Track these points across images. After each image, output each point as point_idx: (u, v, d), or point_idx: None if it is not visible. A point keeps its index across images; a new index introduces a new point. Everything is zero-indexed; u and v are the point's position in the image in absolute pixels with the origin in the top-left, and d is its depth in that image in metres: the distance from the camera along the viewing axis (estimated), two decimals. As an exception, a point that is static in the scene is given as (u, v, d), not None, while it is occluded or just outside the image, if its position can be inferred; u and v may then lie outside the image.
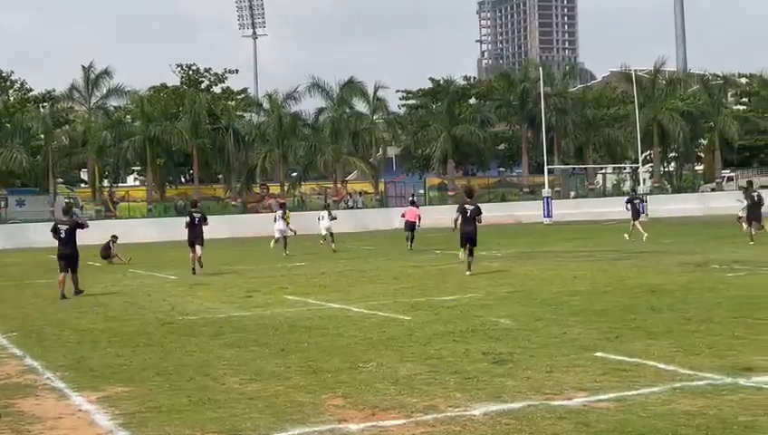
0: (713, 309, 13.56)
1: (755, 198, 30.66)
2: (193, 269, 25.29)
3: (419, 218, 35.16)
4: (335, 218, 37.39)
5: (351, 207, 67.78)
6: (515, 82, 76.07)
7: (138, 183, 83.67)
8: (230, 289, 20.30)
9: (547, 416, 7.61)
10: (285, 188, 67.59)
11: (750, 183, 34.01)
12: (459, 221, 22.11)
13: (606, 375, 9.11)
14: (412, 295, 17.47)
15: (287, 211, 37.29)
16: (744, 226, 30.68)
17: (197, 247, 25.38)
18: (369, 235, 50.54)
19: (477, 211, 22.01)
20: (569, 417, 7.56)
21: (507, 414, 7.74)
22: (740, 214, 32.70)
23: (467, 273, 21.54)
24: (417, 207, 36.92)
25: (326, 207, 40.09)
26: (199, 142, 66.28)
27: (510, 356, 10.36)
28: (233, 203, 68.42)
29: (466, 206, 22.30)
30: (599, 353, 10.31)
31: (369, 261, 28.29)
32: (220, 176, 74.57)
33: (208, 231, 27.09)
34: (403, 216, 36.45)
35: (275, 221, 35.78)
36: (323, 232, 36.84)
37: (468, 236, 22.03)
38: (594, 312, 13.87)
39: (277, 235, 35.23)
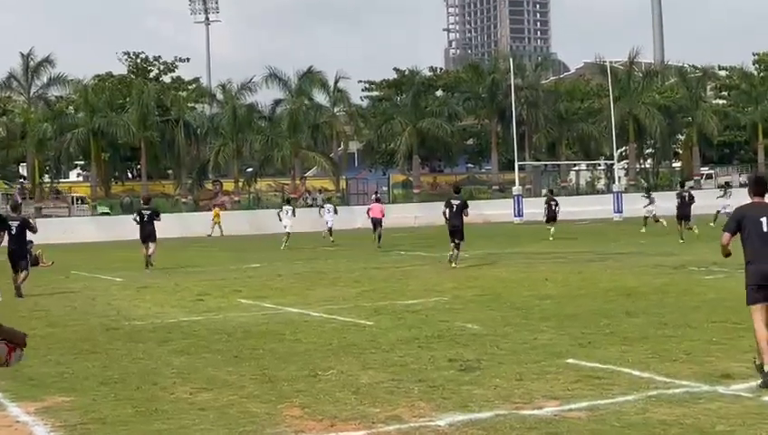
0: (690, 313, 13.71)
1: (686, 198, 32.94)
2: (146, 264, 26.92)
3: (384, 214, 37.62)
4: (336, 214, 41.31)
5: (311, 206, 67.68)
6: (484, 73, 76.42)
7: (81, 179, 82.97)
8: (180, 292, 20.18)
9: (516, 426, 7.65)
10: (240, 184, 67.35)
11: (683, 183, 37.07)
12: (447, 215, 24.64)
13: (578, 383, 9.17)
14: (374, 299, 17.48)
15: (294, 207, 40.87)
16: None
17: (150, 244, 26.86)
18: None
19: (463, 205, 24.54)
20: (539, 427, 7.61)
21: (474, 425, 7.77)
22: (646, 214, 40.05)
23: (453, 265, 23.76)
24: (382, 203, 39.39)
25: (328, 200, 44.68)
26: (147, 135, 65.87)
27: (477, 363, 10.39)
28: (183, 200, 68.03)
29: (453, 200, 24.98)
30: (571, 360, 10.38)
31: (328, 262, 28.27)
32: (170, 171, 74.14)
33: (158, 231, 27.48)
34: (368, 212, 38.38)
35: (285, 215, 38.18)
36: (327, 226, 40.85)
37: (455, 229, 24.37)
38: (566, 316, 13.97)
39: (288, 229, 37.56)
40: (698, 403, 8.22)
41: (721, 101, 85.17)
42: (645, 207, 41.54)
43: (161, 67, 78.33)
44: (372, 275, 22.83)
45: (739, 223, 9.38)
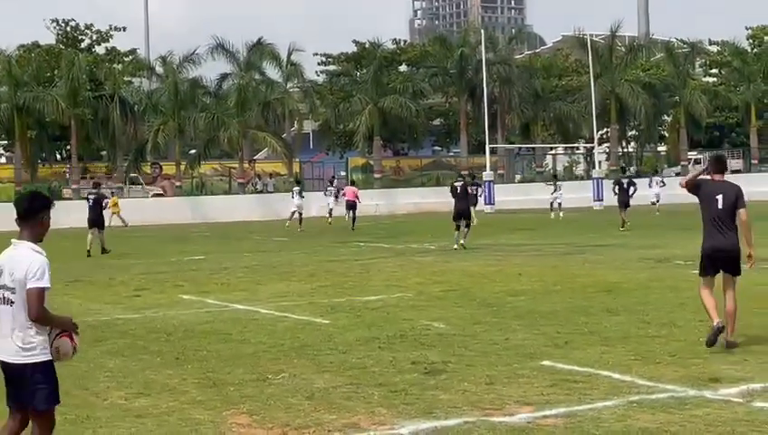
0: (675, 311, 13.85)
1: (624, 185, 35.37)
2: (88, 252, 28.33)
3: (358, 198, 42.10)
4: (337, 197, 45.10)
5: (260, 191, 67.50)
6: (453, 46, 76.45)
7: (4, 160, 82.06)
8: (115, 287, 20.07)
9: (486, 434, 7.69)
10: (182, 167, 66.96)
11: (624, 169, 42.02)
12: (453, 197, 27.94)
13: (554, 387, 9.24)
14: (331, 295, 17.48)
15: (298, 189, 43.75)
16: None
17: (95, 230, 28.92)
18: (281, 223, 50.34)
19: (465, 187, 28.27)
20: (511, 435, 7.66)
21: (440, 432, 7.81)
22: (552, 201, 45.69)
23: (455, 246, 26.69)
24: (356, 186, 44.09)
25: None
26: (78, 112, 65.16)
27: (444, 366, 10.43)
28: (118, 185, 67.50)
29: (455, 184, 28.44)
30: (546, 362, 10.45)
31: (280, 254, 28.22)
32: (103, 152, 73.51)
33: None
34: (343, 195, 43.00)
35: (293, 197, 42.21)
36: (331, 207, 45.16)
37: (460, 211, 27.50)
38: (541, 314, 14.05)
39: (293, 208, 41.77)
40: (684, 409, 8.31)
41: (711, 80, 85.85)
42: (552, 193, 47.45)
43: (94, 37, 77.49)
44: (329, 269, 22.83)
45: (698, 188, 11.23)
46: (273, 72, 72.01)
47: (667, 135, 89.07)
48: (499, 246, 28.94)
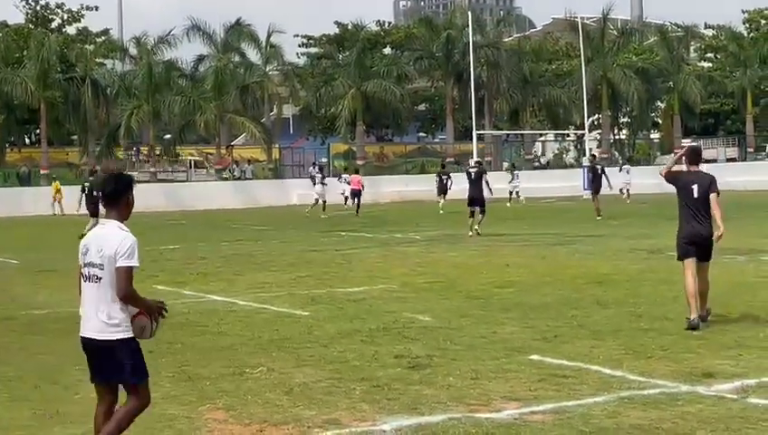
0: (668, 304, 13.88)
1: (598, 171, 36.91)
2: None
3: (363, 185, 45.25)
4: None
5: (238, 178, 67.39)
6: (439, 29, 76.45)
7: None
8: (86, 277, 19.96)
9: (471, 431, 7.70)
10: (156, 152, 66.76)
11: (594, 155, 43.69)
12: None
13: (542, 382, 9.25)
14: (312, 286, 17.47)
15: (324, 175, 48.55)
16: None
17: (94, 220, 28.31)
18: (260, 211, 50.30)
19: (480, 172, 28.94)
20: (497, 432, 7.67)
21: (424, 429, 7.81)
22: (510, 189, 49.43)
23: (470, 233, 27.66)
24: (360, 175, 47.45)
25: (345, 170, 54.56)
26: (48, 95, 64.93)
27: (428, 360, 10.44)
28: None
29: (470, 169, 29.54)
30: (534, 356, 10.47)
31: (259, 244, 28.19)
32: (75, 137, 73.24)
33: (63, 206, 27.44)
34: (349, 183, 46.41)
35: (314, 184, 45.12)
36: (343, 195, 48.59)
37: (473, 198, 28.45)
38: (529, 307, 14.08)
39: (316, 196, 44.14)
40: (676, 405, 8.34)
41: (706, 65, 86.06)
42: (510, 182, 50.85)
43: (65, 16, 77.24)
44: (310, 259, 22.82)
45: (676, 180, 12.47)
46: (251, 55, 71.98)
47: (660, 122, 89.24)
48: (486, 236, 28.94)
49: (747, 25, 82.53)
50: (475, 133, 62.99)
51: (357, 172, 49.40)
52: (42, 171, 62.87)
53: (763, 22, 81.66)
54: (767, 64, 77.42)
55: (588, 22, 75.13)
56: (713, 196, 12.17)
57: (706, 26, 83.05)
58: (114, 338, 6.58)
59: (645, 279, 16.86)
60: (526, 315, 13.30)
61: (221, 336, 12.36)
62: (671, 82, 76.58)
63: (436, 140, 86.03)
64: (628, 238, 25.66)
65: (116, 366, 6.63)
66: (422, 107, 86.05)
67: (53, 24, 76.11)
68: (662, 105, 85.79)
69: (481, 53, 70.59)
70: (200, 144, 73.51)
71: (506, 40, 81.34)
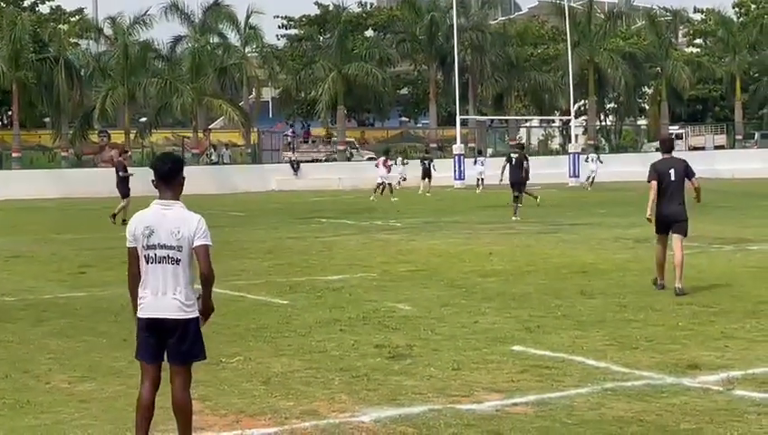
0: (654, 294, 13.95)
1: (513, 162, 36.35)
2: (114, 216, 29.56)
3: (388, 168, 46.99)
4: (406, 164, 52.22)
5: (215, 163, 67.22)
6: (422, 11, 76.28)
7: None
8: (58, 263, 19.93)
9: (452, 423, 7.72)
10: (131, 136, 66.51)
11: (522, 145, 42.23)
12: (507, 170, 30.73)
13: (524, 374, 9.29)
14: (290, 274, 17.47)
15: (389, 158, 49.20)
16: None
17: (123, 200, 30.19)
18: (237, 197, 50.23)
19: (521, 159, 30.32)
20: (478, 424, 7.69)
21: (404, 420, 7.82)
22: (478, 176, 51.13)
23: (513, 218, 28.90)
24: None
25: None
26: (21, 76, 64.52)
27: (409, 350, 10.46)
28: (63, 154, 67.00)
29: (512, 154, 31.24)
30: (516, 347, 10.50)
31: (236, 230, 28.11)
32: (47, 119, 72.88)
33: (33, 190, 27.21)
34: (377, 165, 47.79)
35: (377, 167, 47.25)
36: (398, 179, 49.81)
37: (514, 182, 30.07)
38: (512, 296, 14.11)
39: (379, 181, 45.95)
40: (661, 397, 8.38)
41: (694, 50, 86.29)
42: (475, 166, 53.00)
43: (38, -6, 76.66)
44: (288, 246, 22.81)
45: (658, 173, 14.20)
46: (230, 36, 71.74)
47: (647, 108, 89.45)
48: (469, 223, 28.98)
49: (737, 10, 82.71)
50: (458, 118, 62.93)
51: (386, 153, 51.03)
52: (14, 154, 62.56)
53: (752, 6, 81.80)
54: (756, 50, 77.67)
55: (574, 5, 75.14)
56: (694, 180, 14.39)
57: (695, 10, 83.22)
58: (191, 317, 6.88)
59: (630, 269, 16.91)
60: (509, 305, 13.33)
61: (197, 325, 12.32)
62: (659, 68, 76.76)
63: (419, 125, 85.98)
64: (613, 227, 25.71)
65: (192, 344, 6.93)
66: (404, 91, 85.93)
67: (26, 3, 75.60)
68: (649, 91, 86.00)
69: (465, 36, 70.55)
70: (176, 127, 73.21)
71: (491, 23, 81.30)
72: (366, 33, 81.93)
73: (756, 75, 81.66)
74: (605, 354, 10.05)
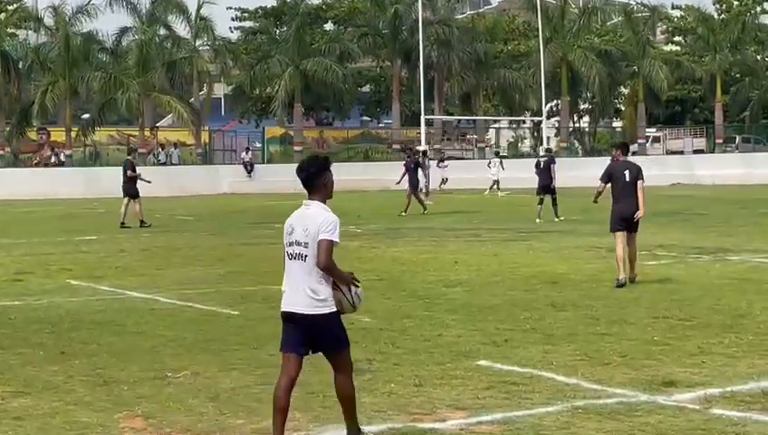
0: (628, 306, 14.02)
1: (412, 165, 38.32)
2: (142, 221, 30.68)
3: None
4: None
5: (163, 163, 66.93)
6: (386, 3, 76.34)
7: None
8: (-7, 270, 19.81)
9: (413, 443, 7.73)
10: (73, 134, 66.12)
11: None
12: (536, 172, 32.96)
13: (490, 390, 9.31)
14: (242, 282, 17.44)
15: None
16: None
17: (129, 201, 30.92)
18: (186, 200, 50.04)
19: (549, 162, 32.50)
20: (441, 444, 7.71)
21: (361, 440, 7.82)
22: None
23: (537, 220, 30.76)
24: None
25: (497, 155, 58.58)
26: (-46, 68, 64.11)
27: (368, 365, 10.46)
28: (0, 153, 66.54)
29: (540, 159, 34.23)
30: (482, 362, 10.53)
31: (185, 236, 28.05)
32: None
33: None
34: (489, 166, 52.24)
35: (489, 166, 52.21)
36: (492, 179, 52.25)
37: (542, 186, 31.99)
38: (478, 308, 14.15)
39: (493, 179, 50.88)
40: (634, 416, 8.43)
41: (673, 48, 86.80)
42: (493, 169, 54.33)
43: (-27, -19, 76.12)
44: (240, 253, 22.76)
45: (610, 175, 16.51)
46: (179, 28, 71.36)
47: (623, 109, 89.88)
48: (434, 229, 29.02)
49: (717, 6, 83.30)
50: (423, 118, 63.00)
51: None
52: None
53: (734, 3, 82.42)
54: (738, 49, 78.19)
55: (547, -1, 75.47)
56: (639, 182, 16.21)
57: (674, 7, 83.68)
58: (325, 312, 7.68)
59: (603, 279, 16.96)
60: (474, 317, 13.36)
61: (140, 337, 12.29)
62: (636, 67, 77.02)
63: (381, 125, 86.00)
64: (586, 235, 25.78)
65: (332, 338, 7.73)
66: (366, 88, 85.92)
67: (-40, -10, 75.02)
68: (626, 91, 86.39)
69: (431, 31, 70.62)
70: (122, 125, 72.81)
71: (459, 17, 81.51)
72: (325, 26, 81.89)
73: (738, 76, 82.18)
74: (576, 370, 10.09)
